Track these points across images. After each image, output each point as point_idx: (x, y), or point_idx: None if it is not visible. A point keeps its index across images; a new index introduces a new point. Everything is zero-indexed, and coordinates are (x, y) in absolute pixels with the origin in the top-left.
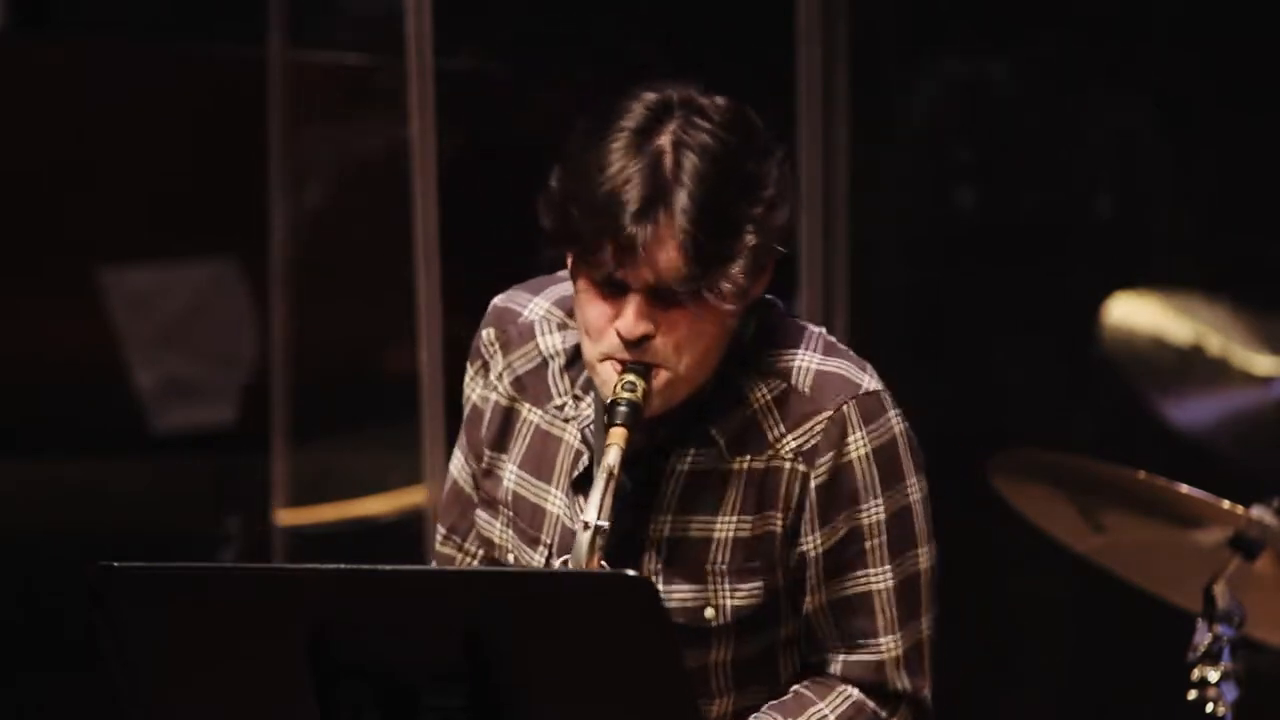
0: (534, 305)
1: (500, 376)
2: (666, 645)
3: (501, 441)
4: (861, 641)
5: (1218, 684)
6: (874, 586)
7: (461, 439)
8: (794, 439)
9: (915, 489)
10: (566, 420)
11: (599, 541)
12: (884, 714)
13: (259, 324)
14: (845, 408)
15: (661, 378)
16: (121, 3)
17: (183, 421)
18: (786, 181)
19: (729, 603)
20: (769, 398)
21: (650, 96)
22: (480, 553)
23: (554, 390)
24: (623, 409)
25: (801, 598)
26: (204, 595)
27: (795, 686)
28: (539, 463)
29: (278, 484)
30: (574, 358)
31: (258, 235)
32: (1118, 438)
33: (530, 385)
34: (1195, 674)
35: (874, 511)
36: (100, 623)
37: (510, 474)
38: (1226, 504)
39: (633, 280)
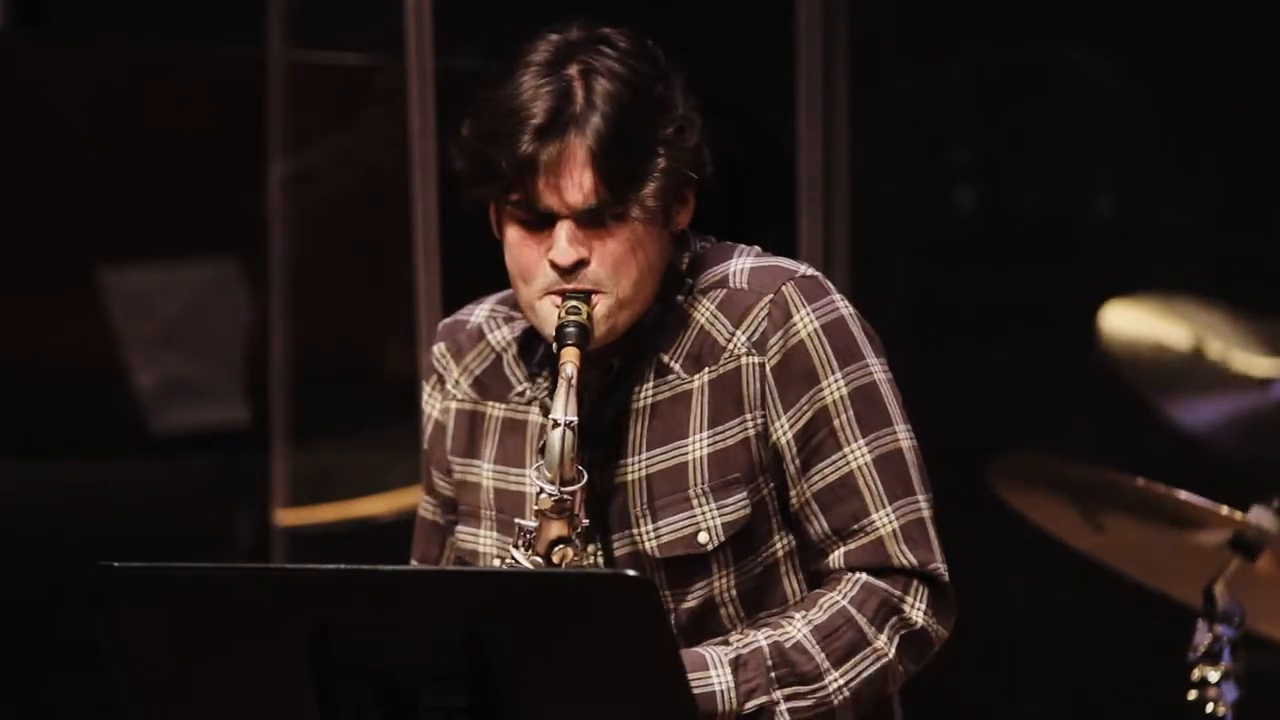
0: (478, 311)
1: (458, 383)
2: (666, 645)
3: (471, 446)
4: (854, 526)
5: (1218, 684)
6: (852, 464)
7: (424, 471)
8: (743, 332)
9: (878, 367)
10: (529, 403)
11: (570, 438)
12: (896, 591)
13: (259, 324)
14: (784, 288)
15: (601, 302)
16: (121, 3)
17: (183, 421)
18: (693, 109)
19: (718, 521)
20: (712, 307)
21: (554, 35)
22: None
23: (512, 379)
24: (570, 329)
25: (786, 498)
26: (204, 595)
27: (813, 590)
28: (511, 452)
29: (278, 484)
30: (524, 345)
31: (258, 235)
32: (1118, 439)
33: (490, 382)
34: (1195, 674)
35: (835, 387)
36: (100, 623)
37: (487, 474)
38: (1225, 509)
39: (556, 206)
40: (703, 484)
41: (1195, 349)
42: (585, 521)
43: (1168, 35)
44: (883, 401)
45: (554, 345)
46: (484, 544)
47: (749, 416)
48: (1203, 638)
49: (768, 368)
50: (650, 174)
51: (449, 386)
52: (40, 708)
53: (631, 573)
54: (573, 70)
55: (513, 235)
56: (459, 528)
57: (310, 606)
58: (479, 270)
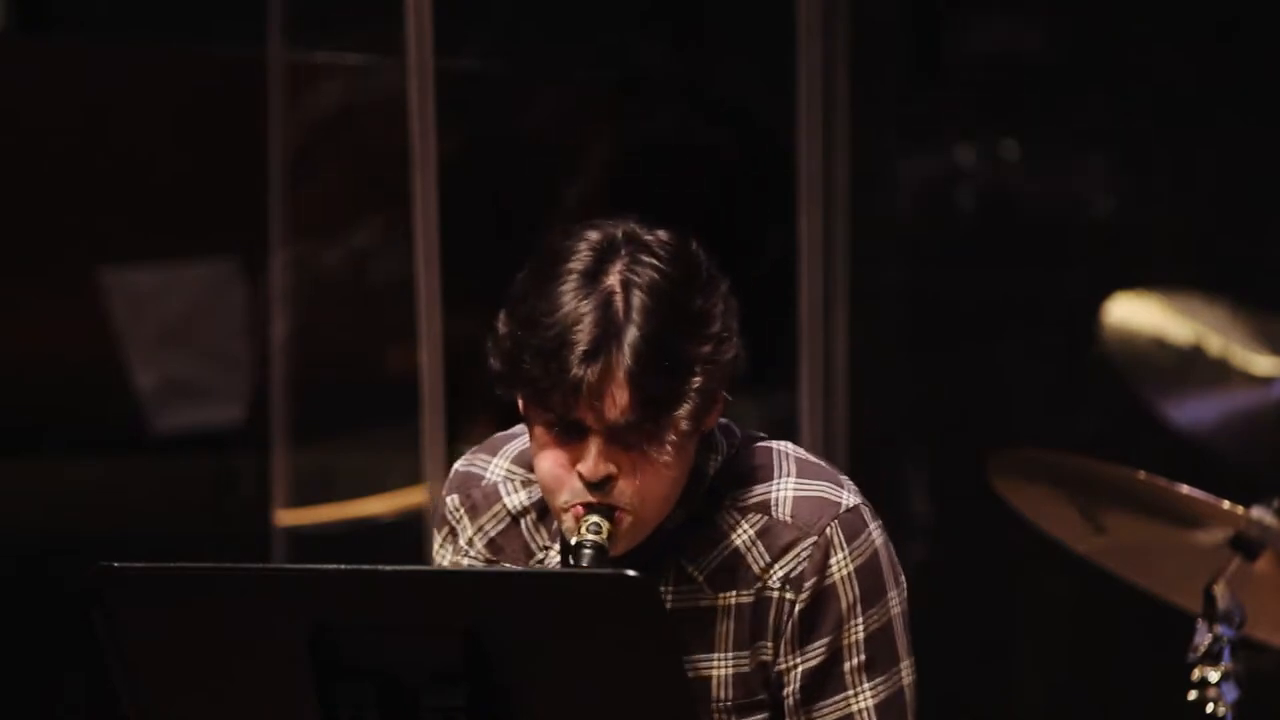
0: (494, 467)
1: (471, 542)
2: (666, 645)
3: None
4: None
5: (1218, 684)
6: (853, 707)
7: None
8: (780, 568)
9: (895, 602)
10: None
11: None
12: None
13: (259, 324)
14: (829, 530)
15: (625, 520)
16: (121, 3)
17: (183, 421)
18: (731, 316)
19: None
20: (751, 532)
21: (594, 235)
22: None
23: (532, 545)
24: (588, 551)
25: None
26: (204, 595)
27: None
28: None
29: (278, 484)
30: (544, 510)
31: (258, 235)
32: (1118, 438)
33: (506, 545)
34: (1195, 674)
35: (855, 632)
36: (100, 623)
37: None
38: (1226, 504)
39: (590, 421)
40: (727, 700)
41: (1195, 347)
42: None
43: (1169, 34)
44: (894, 641)
45: (568, 558)
46: None
47: (769, 644)
48: (1203, 638)
49: (797, 607)
50: (686, 394)
51: (461, 542)
52: (41, 707)
53: (631, 573)
54: (613, 281)
55: (541, 437)
56: None
57: (310, 606)
58: (479, 270)
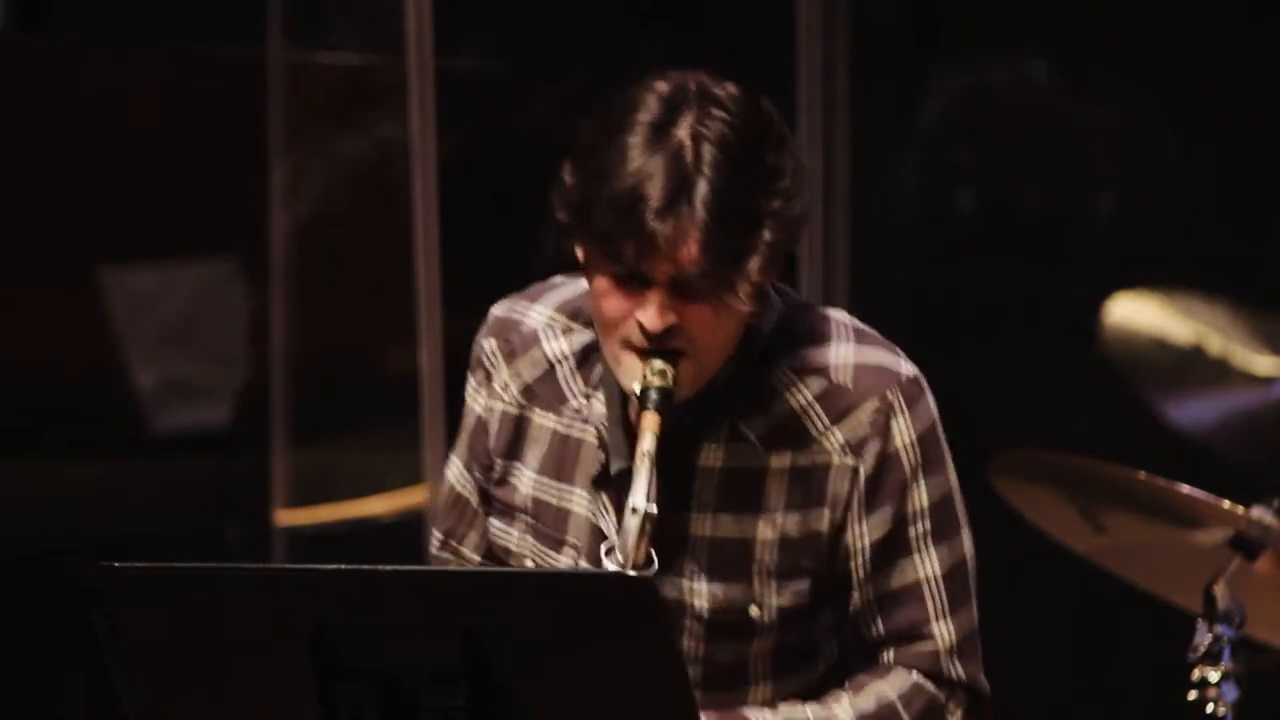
0: (535, 312)
1: (506, 386)
2: (666, 645)
3: (514, 449)
4: (912, 633)
5: (1218, 684)
6: (921, 574)
7: (461, 448)
8: (841, 432)
9: (952, 473)
10: (585, 421)
11: (648, 527)
12: (942, 697)
13: (259, 324)
14: (890, 395)
15: (688, 365)
16: (121, 3)
17: (183, 421)
18: (800, 172)
19: (774, 602)
20: (809, 395)
21: (663, 86)
22: (477, 559)
23: (568, 393)
24: (654, 395)
25: (848, 592)
26: (204, 595)
27: (861, 676)
28: (560, 465)
29: (278, 484)
30: (582, 360)
31: (258, 235)
32: (1118, 438)
33: (541, 392)
34: (1195, 674)
35: (919, 499)
36: (100, 623)
37: (528, 479)
38: (1226, 504)
39: (655, 273)
40: (771, 564)
41: (1195, 347)
42: (651, 553)
43: (1169, 35)
44: (955, 509)
45: (637, 404)
46: (516, 544)
47: (829, 511)
48: (1203, 638)
49: (861, 473)
50: (755, 249)
51: (496, 387)
52: (41, 707)
53: (632, 573)
54: (683, 133)
55: (602, 284)
56: (493, 520)
57: (310, 606)
58: (479, 270)
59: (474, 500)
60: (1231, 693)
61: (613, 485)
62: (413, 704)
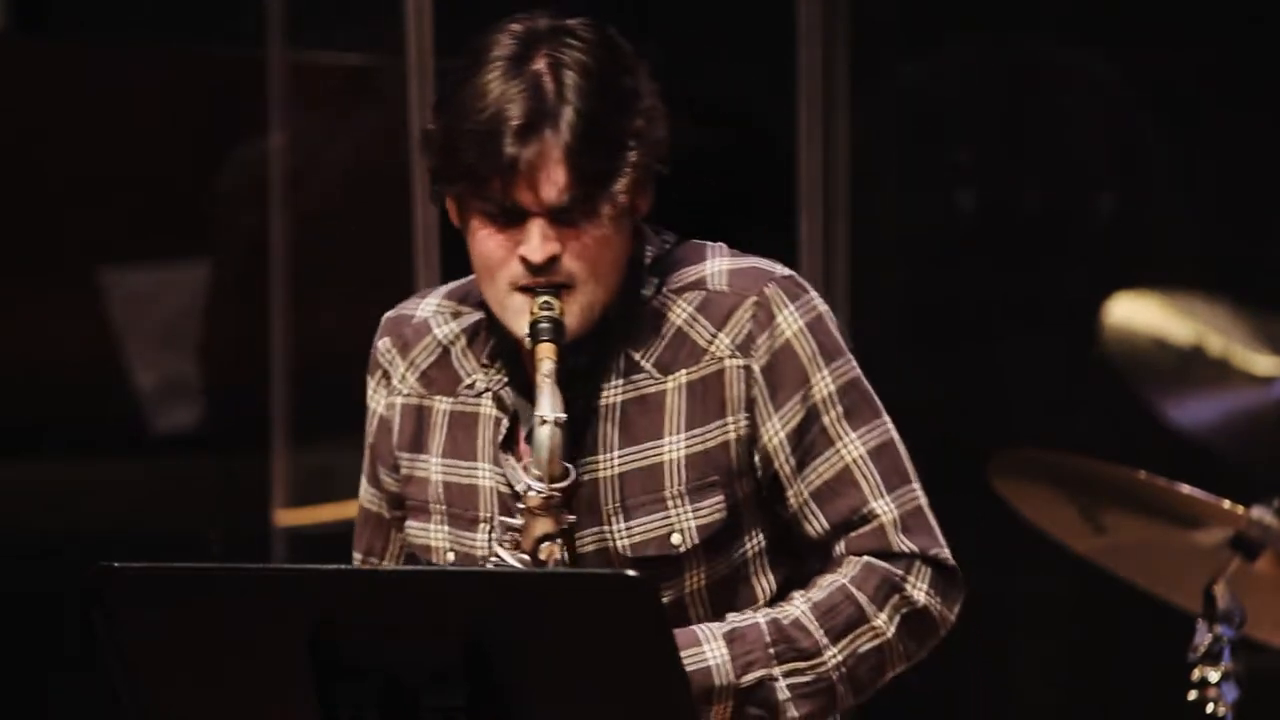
0: (424, 305)
1: (404, 379)
2: (666, 645)
3: (418, 441)
4: (854, 518)
5: (1218, 684)
6: (848, 458)
7: (366, 464)
8: (726, 335)
9: (854, 363)
10: (478, 395)
11: (558, 435)
12: (898, 571)
13: (259, 324)
14: (767, 290)
15: (574, 298)
16: (121, 3)
17: (183, 421)
18: (656, 96)
19: (692, 523)
20: (690, 309)
21: (516, 26)
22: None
23: (461, 372)
24: (545, 325)
25: (781, 500)
26: (204, 595)
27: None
28: (461, 445)
29: (278, 484)
30: (473, 337)
31: (258, 235)
32: (1118, 438)
33: (436, 377)
34: (1195, 674)
35: (824, 384)
36: (100, 623)
37: (435, 468)
38: (1227, 504)
39: (529, 203)
40: (679, 485)
41: (1195, 347)
42: (572, 518)
43: (1169, 35)
44: (868, 394)
45: (528, 341)
46: (435, 538)
47: (730, 420)
48: (1203, 638)
49: (755, 370)
50: (622, 169)
51: (395, 382)
52: (41, 708)
53: (631, 573)
54: (541, 65)
55: (480, 230)
56: (409, 523)
57: (310, 606)
58: None
59: (384, 511)
60: (1231, 693)
61: (516, 445)
62: (413, 704)
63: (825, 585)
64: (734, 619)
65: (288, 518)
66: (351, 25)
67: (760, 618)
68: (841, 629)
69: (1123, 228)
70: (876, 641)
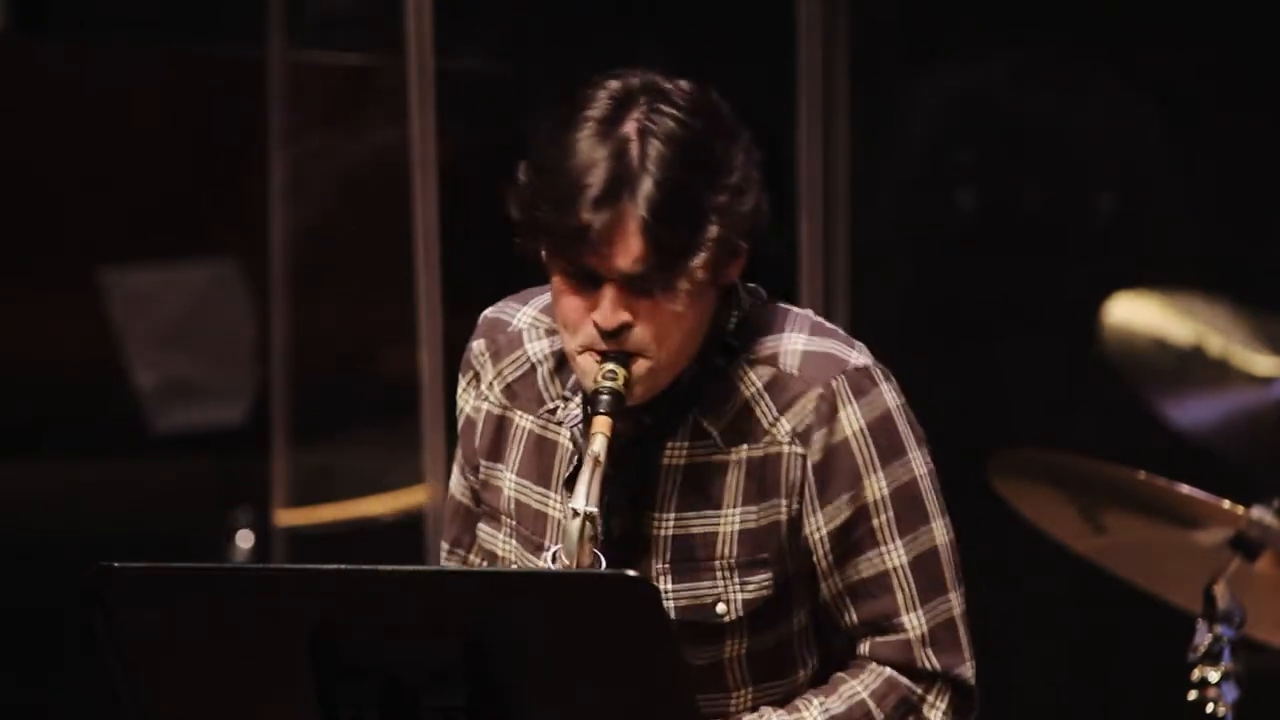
0: (522, 314)
1: (491, 386)
2: (666, 645)
3: (497, 450)
4: (884, 624)
5: (1218, 684)
6: (888, 564)
7: (458, 454)
8: (788, 421)
9: (919, 462)
10: (559, 423)
11: (589, 529)
12: (918, 690)
13: (259, 324)
14: (834, 383)
15: (642, 365)
16: (121, 3)
17: (183, 421)
18: (752, 166)
19: (739, 596)
20: (759, 384)
21: (614, 84)
22: (484, 565)
23: (544, 394)
24: (605, 397)
25: (817, 586)
26: (204, 595)
27: (836, 674)
28: (536, 468)
29: (278, 484)
30: (562, 361)
31: (258, 235)
32: (1118, 438)
33: (521, 392)
34: (1195, 674)
35: (877, 488)
36: (100, 623)
37: (510, 482)
38: (1226, 504)
39: (605, 270)
40: (731, 558)
41: (1195, 347)
42: (596, 554)
43: (1169, 35)
44: (922, 498)
45: (587, 408)
46: (502, 549)
47: (784, 502)
48: (1203, 638)
49: (809, 462)
50: (701, 244)
51: (483, 387)
52: (41, 708)
53: (632, 573)
54: (629, 129)
55: (559, 285)
56: (481, 525)
57: (310, 606)
58: (479, 270)
59: (472, 505)
60: (1231, 693)
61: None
62: (413, 704)
63: (845, 696)
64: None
65: (288, 518)
66: (351, 25)
67: None
68: None
69: (1123, 228)
70: None
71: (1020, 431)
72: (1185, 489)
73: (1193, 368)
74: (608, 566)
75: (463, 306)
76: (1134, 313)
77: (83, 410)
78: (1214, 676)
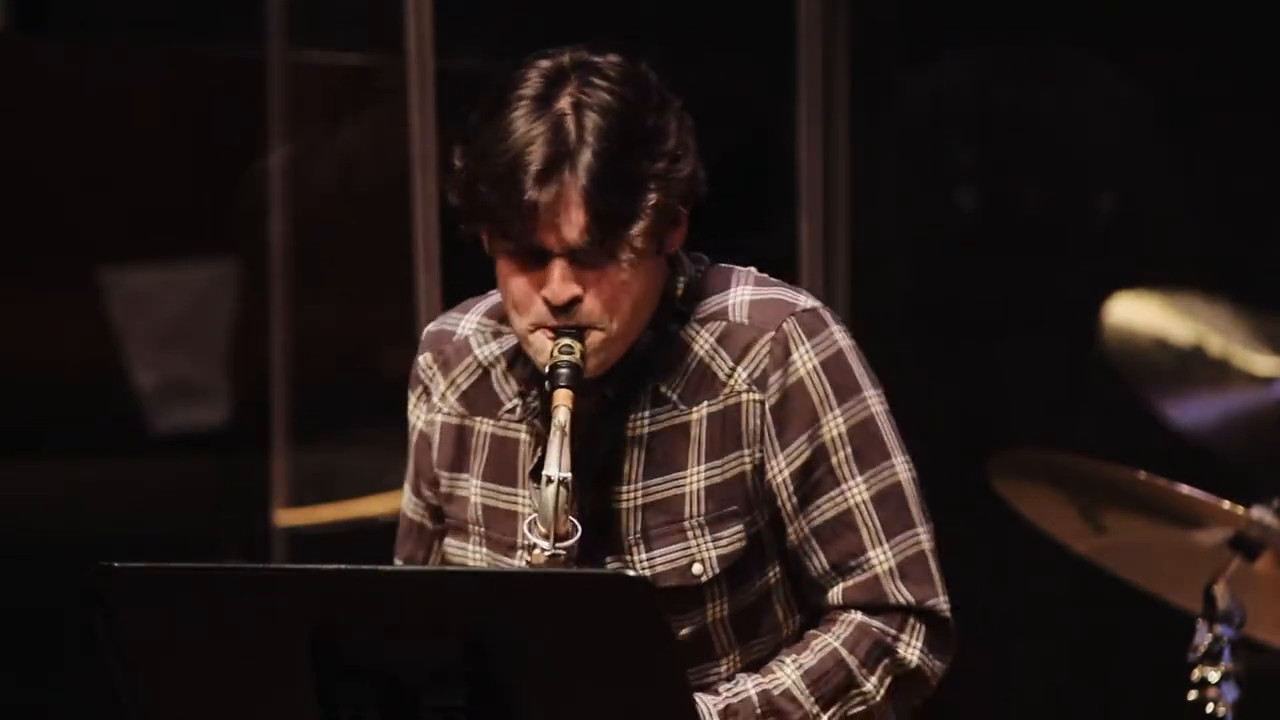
0: (465, 322)
1: (444, 397)
2: (665, 645)
3: (459, 460)
4: (852, 563)
5: (1218, 684)
6: (851, 501)
7: (409, 473)
8: (743, 369)
9: (875, 399)
10: (519, 421)
11: (564, 495)
12: (891, 630)
13: (259, 324)
14: (785, 325)
15: (595, 337)
16: (121, 3)
17: (183, 421)
18: (686, 134)
19: (713, 553)
20: (712, 340)
21: (545, 63)
22: None
23: (501, 396)
24: (563, 371)
25: (784, 536)
26: (204, 595)
27: (808, 631)
28: (501, 469)
29: (278, 484)
30: (513, 361)
31: (258, 235)
32: (1118, 438)
33: (478, 398)
34: (1195, 674)
35: (834, 425)
36: (100, 623)
37: (475, 489)
38: (1226, 504)
39: (550, 245)
40: (699, 516)
41: (1195, 347)
42: (572, 521)
43: (1169, 35)
44: (880, 434)
45: (546, 384)
46: (473, 559)
47: (747, 451)
48: (1203, 638)
49: (767, 406)
50: (641, 211)
51: (435, 399)
52: (41, 708)
53: (631, 573)
54: (564, 104)
55: (505, 267)
56: (448, 540)
57: (310, 606)
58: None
59: (427, 523)
60: (1231, 693)
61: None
62: (413, 704)
63: (817, 649)
64: (727, 691)
65: (288, 518)
66: (351, 25)
67: (752, 689)
68: (831, 696)
69: (1123, 228)
70: (865, 706)
71: (1020, 431)
72: (1185, 489)
73: (1193, 368)
74: (583, 551)
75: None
76: (1134, 313)
77: (83, 410)
78: (1214, 676)
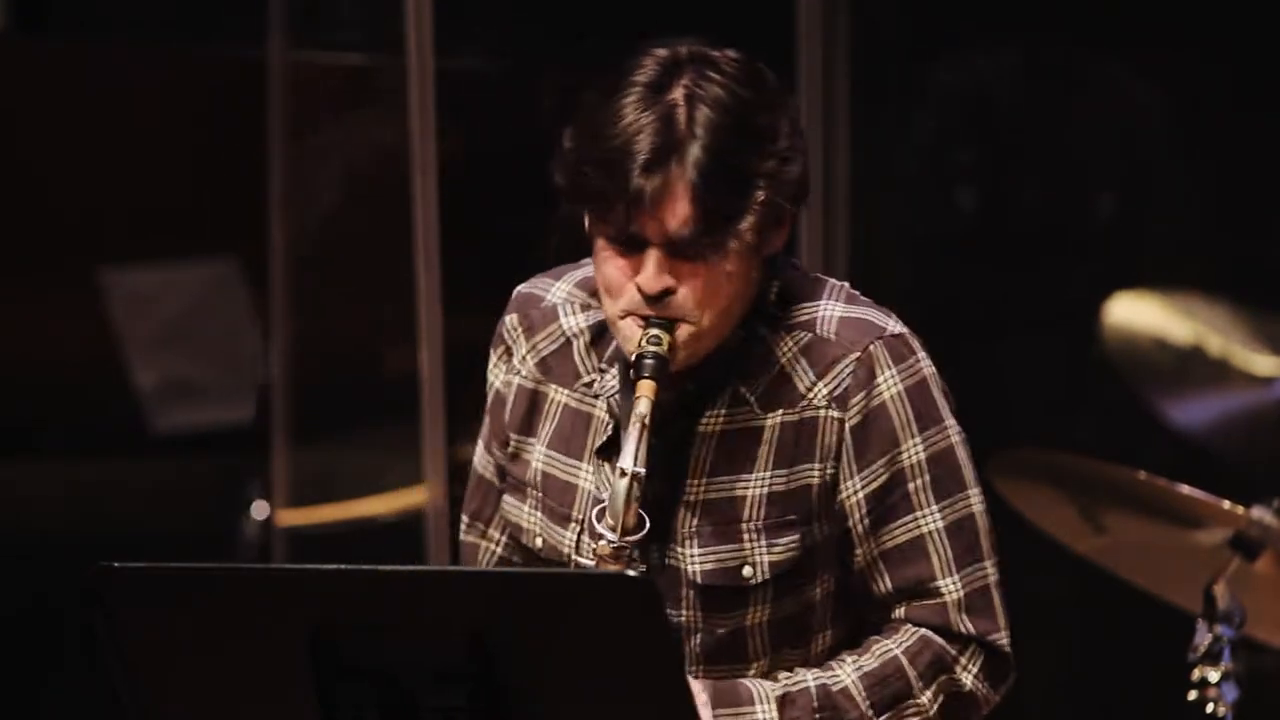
0: (556, 289)
1: (524, 360)
2: (667, 645)
3: (528, 424)
4: (919, 589)
5: (1218, 684)
6: (924, 529)
7: (484, 429)
8: (825, 385)
9: (954, 431)
10: (595, 396)
11: (635, 489)
12: (952, 651)
13: (259, 324)
14: (872, 348)
15: (685, 331)
16: (121, 3)
17: (183, 421)
18: (798, 135)
19: (766, 558)
20: (795, 349)
21: (662, 52)
22: (503, 539)
23: (580, 368)
24: (649, 361)
25: (851, 553)
26: (204, 595)
27: (869, 637)
28: (569, 440)
29: (278, 484)
30: (598, 335)
31: (258, 235)
32: (1118, 438)
33: (556, 366)
34: (1195, 674)
35: (914, 452)
36: (100, 623)
37: (539, 455)
38: (1226, 504)
39: (650, 234)
40: (758, 520)
41: (1195, 347)
42: (643, 568)
43: (1169, 35)
44: (958, 465)
45: (630, 372)
46: (527, 520)
47: (818, 466)
48: (1203, 638)
49: (847, 426)
50: (748, 209)
51: (515, 361)
52: (41, 708)
53: (632, 573)
54: (677, 95)
55: (602, 248)
56: (506, 498)
57: (310, 606)
58: (479, 270)
59: (496, 480)
60: (1231, 693)
61: (615, 454)
62: (413, 704)
63: (878, 653)
64: (786, 680)
65: (288, 518)
66: (351, 25)
67: (811, 681)
68: (888, 702)
69: (1123, 228)
70: (918, 718)
71: (1020, 431)
72: (1185, 489)
73: (1193, 368)
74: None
75: (463, 306)
76: (1134, 313)
77: (83, 410)
78: (1214, 676)
